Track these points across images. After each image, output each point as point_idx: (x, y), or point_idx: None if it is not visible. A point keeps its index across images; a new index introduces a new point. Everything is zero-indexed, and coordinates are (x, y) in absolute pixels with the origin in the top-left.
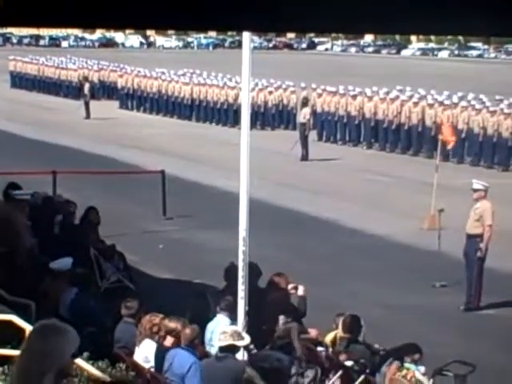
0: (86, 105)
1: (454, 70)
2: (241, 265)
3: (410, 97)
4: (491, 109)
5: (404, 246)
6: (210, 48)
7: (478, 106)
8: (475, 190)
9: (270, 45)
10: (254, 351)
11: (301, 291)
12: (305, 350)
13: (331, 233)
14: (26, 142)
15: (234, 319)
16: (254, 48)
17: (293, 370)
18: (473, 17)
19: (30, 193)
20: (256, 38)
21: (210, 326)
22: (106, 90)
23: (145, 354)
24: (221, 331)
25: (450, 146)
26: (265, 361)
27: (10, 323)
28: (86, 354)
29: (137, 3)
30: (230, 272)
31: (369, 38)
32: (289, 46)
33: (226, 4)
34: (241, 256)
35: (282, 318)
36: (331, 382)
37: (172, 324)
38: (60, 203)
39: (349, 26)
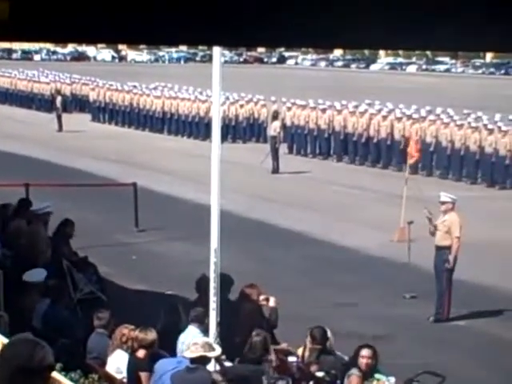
0: (59, 118)
1: (422, 84)
2: (212, 276)
3: (379, 110)
4: (458, 122)
5: (374, 258)
6: (182, 62)
7: (445, 120)
8: (443, 203)
9: (241, 59)
10: (226, 363)
11: (272, 303)
12: (276, 361)
13: (302, 245)
14: None
15: (205, 330)
16: (225, 62)
17: (264, 381)
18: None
19: (49, 204)
20: (227, 52)
21: (182, 338)
22: (78, 103)
23: (117, 364)
24: (192, 342)
25: (411, 161)
26: (224, 374)
27: None
28: (58, 365)
29: (111, 18)
30: (202, 283)
31: (338, 52)
32: (259, 60)
33: (196, 19)
34: (212, 267)
35: (254, 330)
36: None
37: (143, 335)
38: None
39: (320, 40)
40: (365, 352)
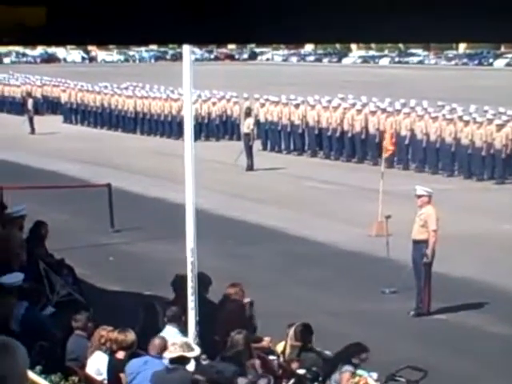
0: (31, 120)
1: (395, 77)
2: (190, 275)
3: (353, 105)
4: (433, 115)
5: (352, 253)
6: (152, 61)
7: (420, 113)
8: (419, 196)
9: (212, 56)
10: (206, 362)
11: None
12: (257, 359)
13: (279, 241)
14: None
15: (183, 330)
16: (196, 60)
17: (244, 380)
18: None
19: (24, 207)
20: (197, 50)
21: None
22: (49, 105)
23: (97, 366)
24: (171, 343)
25: (386, 155)
26: (204, 373)
27: None
28: (38, 368)
29: (82, 19)
30: (177, 284)
31: (309, 47)
32: (230, 57)
33: (165, 18)
34: (189, 267)
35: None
36: None
37: (122, 336)
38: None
39: (289, 35)
40: (364, 356)
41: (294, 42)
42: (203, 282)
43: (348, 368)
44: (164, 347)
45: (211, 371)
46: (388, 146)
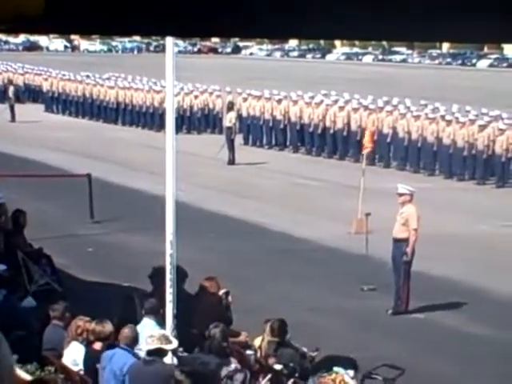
0: (11, 108)
1: (378, 74)
2: (168, 268)
3: (335, 101)
4: (415, 113)
5: (332, 249)
6: (135, 52)
7: (402, 111)
8: (400, 195)
9: (195, 49)
10: (184, 354)
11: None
12: (234, 354)
13: (259, 236)
14: None
15: (160, 322)
16: (179, 52)
17: (222, 373)
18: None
19: (2, 196)
20: (180, 42)
21: (137, 330)
22: (31, 94)
23: (73, 356)
24: (148, 335)
25: (364, 152)
26: (188, 364)
27: None
28: (14, 357)
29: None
30: (154, 276)
31: (293, 42)
32: (213, 50)
33: (149, 9)
34: (168, 259)
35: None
36: None
37: (100, 327)
38: None
39: (273, 30)
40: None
41: (278, 37)
42: (179, 274)
43: (324, 374)
44: (134, 338)
45: (195, 363)
46: (367, 143)
